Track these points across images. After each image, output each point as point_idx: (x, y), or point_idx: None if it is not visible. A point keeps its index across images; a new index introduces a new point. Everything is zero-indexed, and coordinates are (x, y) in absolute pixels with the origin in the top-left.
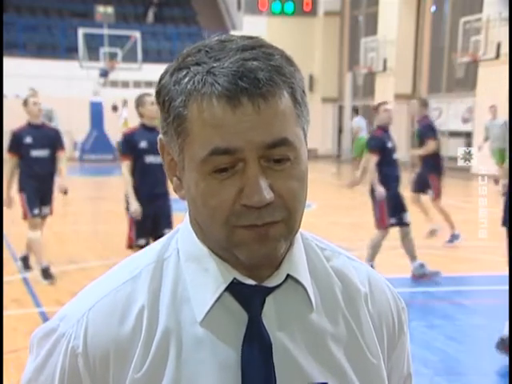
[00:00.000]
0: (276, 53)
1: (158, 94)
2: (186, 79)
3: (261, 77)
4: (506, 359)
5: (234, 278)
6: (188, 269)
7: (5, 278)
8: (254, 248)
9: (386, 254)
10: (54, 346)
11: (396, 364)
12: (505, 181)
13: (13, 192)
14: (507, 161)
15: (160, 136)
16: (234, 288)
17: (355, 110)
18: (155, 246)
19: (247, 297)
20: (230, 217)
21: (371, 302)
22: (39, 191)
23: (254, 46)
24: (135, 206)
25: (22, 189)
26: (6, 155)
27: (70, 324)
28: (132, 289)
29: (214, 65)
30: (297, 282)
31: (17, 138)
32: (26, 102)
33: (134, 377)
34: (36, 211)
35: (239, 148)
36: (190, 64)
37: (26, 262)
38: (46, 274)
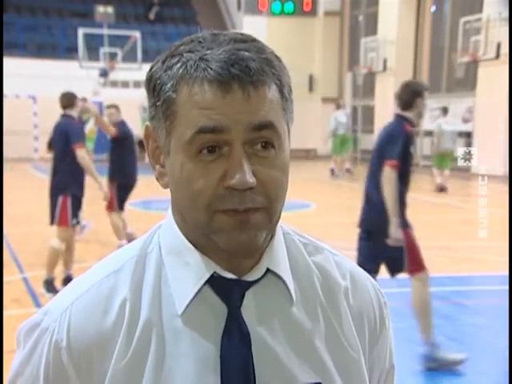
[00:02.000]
0: (266, 48)
1: (148, 80)
2: (179, 65)
3: (252, 66)
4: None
5: (214, 272)
6: (169, 262)
7: (5, 278)
8: (233, 234)
9: None
10: (37, 340)
11: (378, 358)
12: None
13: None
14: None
15: (146, 123)
16: (214, 282)
17: (337, 105)
18: (138, 241)
19: (227, 290)
20: (213, 201)
21: (352, 296)
22: (82, 194)
23: (246, 40)
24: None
25: (68, 190)
26: (77, 149)
27: (53, 318)
28: (115, 282)
29: (207, 52)
30: (277, 276)
31: (82, 129)
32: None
33: (116, 367)
34: (75, 220)
35: (226, 127)
36: (182, 51)
37: (50, 285)
38: (51, 286)
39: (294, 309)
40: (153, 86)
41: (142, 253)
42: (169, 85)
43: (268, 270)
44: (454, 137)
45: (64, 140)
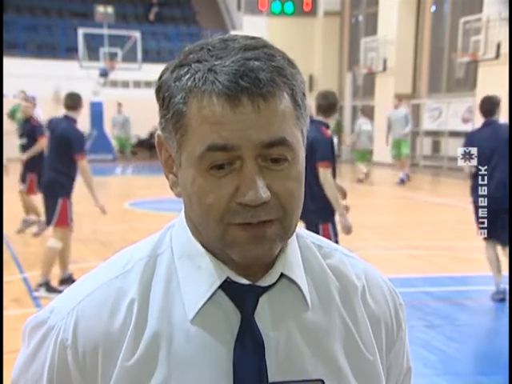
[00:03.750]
0: (278, 54)
1: (158, 90)
2: (187, 76)
3: (262, 77)
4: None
5: (228, 277)
6: (181, 266)
7: (5, 278)
8: (247, 248)
9: (388, 254)
10: (43, 338)
11: (395, 359)
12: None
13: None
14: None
15: (158, 132)
16: (227, 287)
17: None
18: (148, 242)
19: (240, 296)
20: (225, 214)
21: (368, 298)
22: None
23: (257, 46)
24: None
25: (68, 193)
26: (80, 158)
27: (59, 317)
28: (123, 283)
29: (216, 63)
30: (291, 280)
31: (83, 136)
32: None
33: (124, 364)
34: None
35: (236, 145)
36: (191, 61)
37: (49, 286)
38: (50, 286)
39: (309, 313)
40: (162, 96)
41: (153, 254)
42: (178, 97)
43: (282, 275)
44: (371, 135)
45: (66, 145)
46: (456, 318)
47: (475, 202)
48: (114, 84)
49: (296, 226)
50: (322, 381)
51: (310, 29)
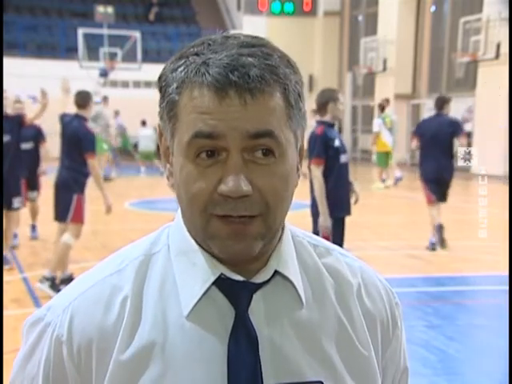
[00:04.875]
0: (276, 54)
1: (158, 79)
2: (182, 67)
3: (251, 73)
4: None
5: (222, 273)
6: (178, 263)
7: (5, 278)
8: (227, 243)
9: (388, 254)
10: (40, 335)
11: (391, 358)
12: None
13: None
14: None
15: (158, 122)
16: (221, 283)
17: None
18: (144, 241)
19: (234, 292)
20: (208, 205)
21: (363, 296)
22: None
23: (255, 44)
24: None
25: (83, 190)
26: (89, 158)
27: (55, 314)
28: (117, 280)
29: (211, 56)
30: (285, 278)
31: (94, 135)
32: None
33: (118, 359)
34: None
35: (222, 134)
36: (189, 54)
37: (54, 283)
38: (55, 284)
39: (304, 310)
40: (160, 86)
41: (148, 253)
42: (172, 87)
43: (276, 272)
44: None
45: (77, 144)
46: (456, 318)
47: (421, 176)
48: (114, 84)
49: (280, 224)
50: (322, 383)
51: (310, 29)
